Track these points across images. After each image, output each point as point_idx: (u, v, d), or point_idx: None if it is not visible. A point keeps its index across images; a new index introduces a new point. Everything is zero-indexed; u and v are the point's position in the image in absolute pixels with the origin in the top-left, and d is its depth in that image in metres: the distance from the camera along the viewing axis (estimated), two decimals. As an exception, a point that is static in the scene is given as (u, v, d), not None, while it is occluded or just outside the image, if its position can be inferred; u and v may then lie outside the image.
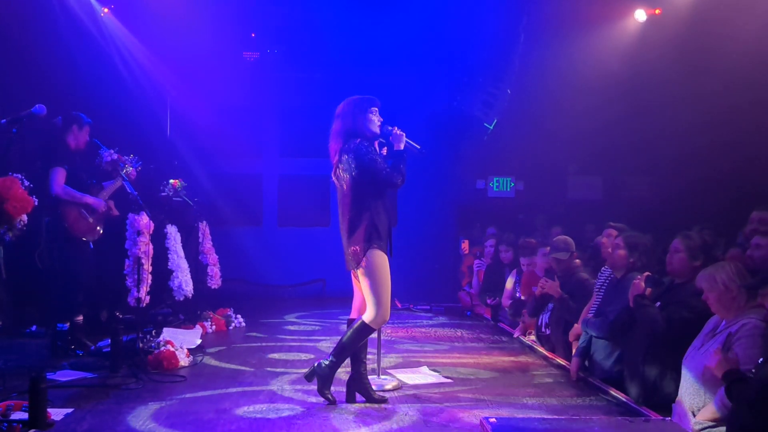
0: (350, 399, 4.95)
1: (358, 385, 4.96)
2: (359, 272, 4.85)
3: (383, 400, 4.96)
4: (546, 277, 6.55)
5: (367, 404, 4.88)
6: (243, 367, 6.01)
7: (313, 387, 4.95)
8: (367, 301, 4.86)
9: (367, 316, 4.85)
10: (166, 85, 9.91)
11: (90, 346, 6.32)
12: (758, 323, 3.90)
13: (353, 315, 5.10)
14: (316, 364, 4.90)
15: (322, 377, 4.86)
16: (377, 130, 5.01)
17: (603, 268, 6.04)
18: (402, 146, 5.00)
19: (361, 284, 4.87)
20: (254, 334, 7.77)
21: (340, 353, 4.89)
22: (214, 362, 6.22)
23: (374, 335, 5.55)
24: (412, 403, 4.98)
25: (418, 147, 5.11)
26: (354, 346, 4.89)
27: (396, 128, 5.04)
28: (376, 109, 5.03)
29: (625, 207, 10.42)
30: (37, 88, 6.98)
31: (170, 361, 5.83)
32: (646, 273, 4.99)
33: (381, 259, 4.82)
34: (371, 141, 4.98)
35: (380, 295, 4.81)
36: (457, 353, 6.82)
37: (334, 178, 5.02)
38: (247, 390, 5.23)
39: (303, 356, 6.51)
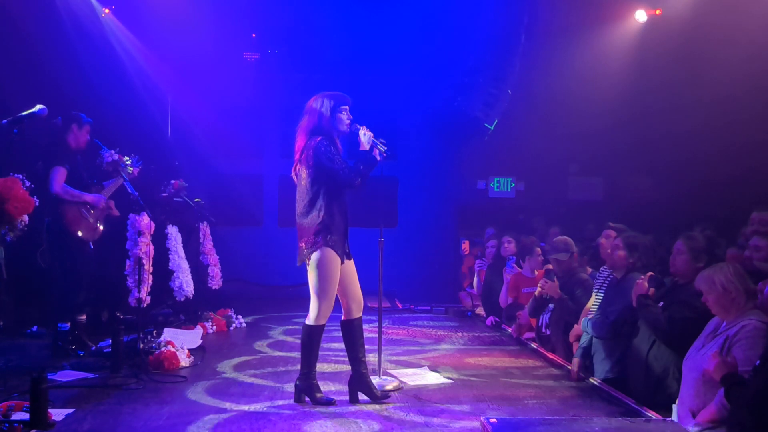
0: (353, 399, 4.96)
1: (360, 385, 4.97)
2: (308, 268, 4.84)
3: (386, 396, 4.97)
4: (546, 277, 6.55)
5: (368, 405, 4.89)
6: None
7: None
8: (311, 298, 4.85)
9: (309, 317, 4.85)
10: (166, 86, 9.92)
11: (91, 346, 6.33)
12: (758, 325, 3.90)
13: (343, 317, 5.05)
14: (296, 383, 4.92)
15: (306, 390, 4.88)
16: (346, 128, 4.97)
17: (602, 268, 6.05)
18: (368, 147, 4.93)
19: (309, 280, 4.85)
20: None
21: (305, 362, 4.90)
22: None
23: (374, 336, 5.58)
24: (413, 403, 4.98)
25: (384, 148, 4.99)
26: (313, 351, 4.89)
27: (363, 127, 4.97)
28: (347, 107, 4.97)
29: (626, 207, 10.40)
30: (38, 89, 6.98)
31: (171, 361, 5.83)
32: (650, 273, 4.99)
33: (328, 258, 4.79)
34: (333, 140, 4.91)
35: (322, 293, 4.81)
36: (457, 354, 6.81)
37: (293, 175, 5.00)
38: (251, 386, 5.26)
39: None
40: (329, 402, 4.85)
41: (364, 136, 4.95)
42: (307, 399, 4.89)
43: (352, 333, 4.99)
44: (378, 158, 4.97)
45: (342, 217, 4.89)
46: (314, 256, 4.79)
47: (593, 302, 5.89)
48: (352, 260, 5.03)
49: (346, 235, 4.94)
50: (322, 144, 4.82)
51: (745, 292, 4.03)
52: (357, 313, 5.01)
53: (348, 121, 4.97)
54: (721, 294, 4.03)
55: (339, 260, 4.84)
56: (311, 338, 4.88)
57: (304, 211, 4.87)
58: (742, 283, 4.04)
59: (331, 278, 4.82)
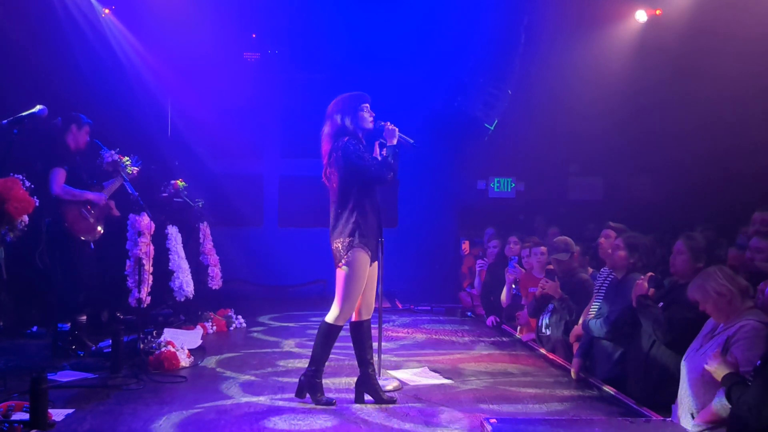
0: (359, 400, 4.95)
1: (367, 386, 4.96)
2: (337, 268, 4.83)
3: (392, 401, 4.95)
4: (546, 277, 6.55)
5: (369, 405, 4.88)
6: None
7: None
8: (335, 297, 4.84)
9: (331, 315, 4.84)
10: (167, 86, 9.91)
11: (91, 346, 6.33)
12: (757, 325, 3.89)
13: (354, 318, 5.04)
14: (301, 378, 4.91)
15: (310, 388, 4.87)
16: (370, 126, 4.97)
17: (602, 269, 6.04)
18: (395, 141, 4.95)
19: (336, 279, 4.85)
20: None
21: (315, 359, 4.89)
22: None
23: (374, 336, 5.56)
24: (413, 403, 4.98)
25: (411, 141, 5.05)
26: (326, 350, 4.89)
27: (388, 123, 4.99)
28: (368, 105, 4.97)
29: (626, 207, 10.41)
30: (39, 89, 6.99)
31: (171, 361, 5.83)
32: (650, 273, 4.99)
33: (360, 259, 4.79)
34: (360, 139, 4.91)
35: (349, 294, 4.81)
36: (457, 354, 6.81)
37: (324, 180, 4.99)
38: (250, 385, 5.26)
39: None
40: (329, 403, 4.85)
41: (390, 131, 4.96)
42: (307, 396, 4.88)
43: (360, 335, 4.98)
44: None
45: (374, 214, 4.89)
46: (346, 258, 4.78)
47: (594, 302, 5.88)
48: (377, 263, 5.00)
49: (379, 234, 4.93)
50: (350, 143, 4.82)
51: (739, 292, 4.02)
52: (366, 315, 5.01)
53: (371, 119, 4.97)
54: (716, 300, 4.02)
55: (369, 262, 4.85)
56: (327, 337, 4.87)
57: (338, 212, 4.86)
58: (734, 284, 4.03)
59: (359, 280, 4.82)
